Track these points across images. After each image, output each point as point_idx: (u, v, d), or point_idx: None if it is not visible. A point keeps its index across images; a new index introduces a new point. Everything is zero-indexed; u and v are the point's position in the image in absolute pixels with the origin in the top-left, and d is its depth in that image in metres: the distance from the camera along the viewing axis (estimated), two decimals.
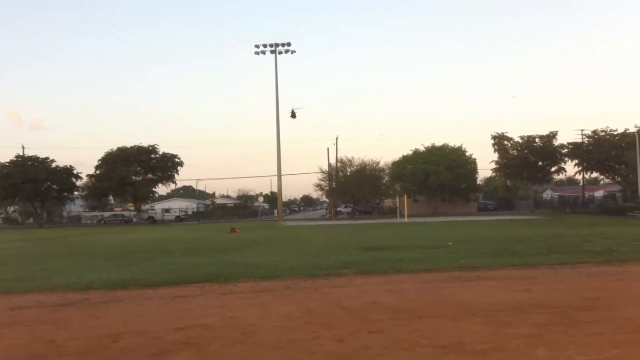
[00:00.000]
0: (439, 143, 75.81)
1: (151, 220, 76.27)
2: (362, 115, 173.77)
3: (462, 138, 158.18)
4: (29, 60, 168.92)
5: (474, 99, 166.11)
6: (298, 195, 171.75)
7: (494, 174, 79.41)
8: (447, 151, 73.76)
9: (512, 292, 10.39)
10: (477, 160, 76.34)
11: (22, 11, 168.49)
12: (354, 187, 68.64)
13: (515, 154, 71.32)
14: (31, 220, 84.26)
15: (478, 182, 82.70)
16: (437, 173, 69.16)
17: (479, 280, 12.03)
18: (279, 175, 70.88)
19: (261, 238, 30.47)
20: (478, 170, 78.01)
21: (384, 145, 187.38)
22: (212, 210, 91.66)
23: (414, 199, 75.39)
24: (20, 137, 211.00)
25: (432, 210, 72.49)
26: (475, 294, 10.27)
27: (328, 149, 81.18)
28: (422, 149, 75.41)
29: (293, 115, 70.00)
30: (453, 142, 76.47)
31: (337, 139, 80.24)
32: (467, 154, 75.14)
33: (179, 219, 76.55)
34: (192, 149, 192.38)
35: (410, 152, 76.06)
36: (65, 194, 79.04)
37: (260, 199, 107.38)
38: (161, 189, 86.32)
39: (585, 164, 70.12)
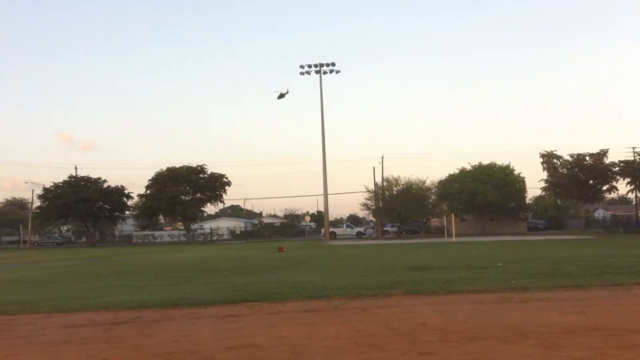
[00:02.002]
0: (486, 161, 75.09)
1: (359, 235, 75.75)
2: (408, 134, 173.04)
3: (510, 156, 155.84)
4: (80, 82, 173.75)
5: (522, 116, 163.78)
6: (344, 214, 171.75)
7: (543, 193, 78.01)
8: (495, 170, 72.89)
9: (565, 314, 10.20)
10: (525, 179, 75.31)
11: (74, 37, 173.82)
12: (400, 206, 68.27)
13: (565, 172, 69.98)
14: (84, 239, 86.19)
15: (527, 201, 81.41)
16: (484, 192, 68.32)
17: (531, 301, 11.82)
18: (325, 195, 71.03)
19: (308, 257, 30.53)
20: (527, 189, 76.92)
21: (430, 164, 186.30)
22: (259, 230, 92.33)
23: (462, 218, 74.53)
24: (73, 157, 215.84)
25: (480, 230, 71.56)
26: (527, 316, 10.10)
27: (374, 168, 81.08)
28: (469, 167, 74.72)
29: (281, 96, 69.43)
30: (500, 161, 75.64)
31: (382, 158, 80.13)
32: (515, 172, 74.18)
33: (360, 235, 76.52)
34: (240, 169, 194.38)
35: (457, 171, 75.43)
36: (117, 213, 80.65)
37: (307, 218, 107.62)
38: (210, 209, 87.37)
39: (637, 183, 68.37)
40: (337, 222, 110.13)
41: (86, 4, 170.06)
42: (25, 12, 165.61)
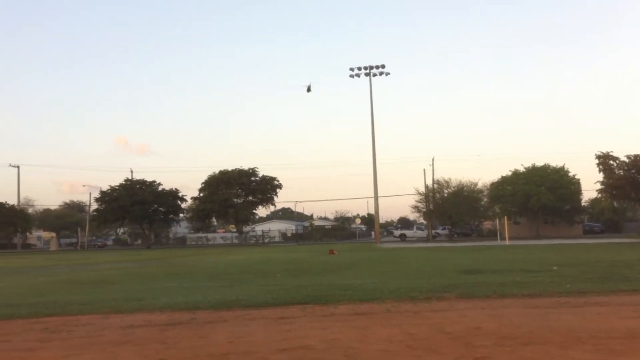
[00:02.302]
0: (539, 163, 73.72)
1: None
2: (459, 136, 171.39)
3: (565, 157, 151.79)
4: (135, 87, 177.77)
5: (577, 116, 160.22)
6: (395, 216, 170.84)
7: (599, 195, 76.05)
8: (549, 171, 71.54)
9: (624, 319, 9.95)
10: (581, 181, 73.70)
11: (129, 45, 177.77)
12: (451, 208, 67.64)
13: (622, 174, 67.99)
14: (139, 241, 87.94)
15: (582, 204, 79.62)
16: (538, 194, 67.11)
17: (587, 306, 11.56)
18: (376, 197, 70.89)
19: (359, 260, 30.50)
20: (582, 191, 75.26)
21: (481, 166, 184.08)
22: (310, 232, 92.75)
23: (515, 221, 73.37)
24: (129, 161, 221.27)
25: (534, 233, 70.34)
26: (584, 321, 9.90)
27: (424, 170, 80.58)
28: (522, 169, 73.51)
29: (309, 89, 69.07)
30: (554, 162, 74.18)
31: (433, 160, 79.56)
32: (570, 174, 72.64)
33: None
34: (291, 171, 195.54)
35: (510, 173, 74.28)
36: (171, 216, 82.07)
37: (358, 220, 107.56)
38: (261, 211, 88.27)
39: None
40: (388, 225, 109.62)
41: (142, 12, 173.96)
42: (82, 19, 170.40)
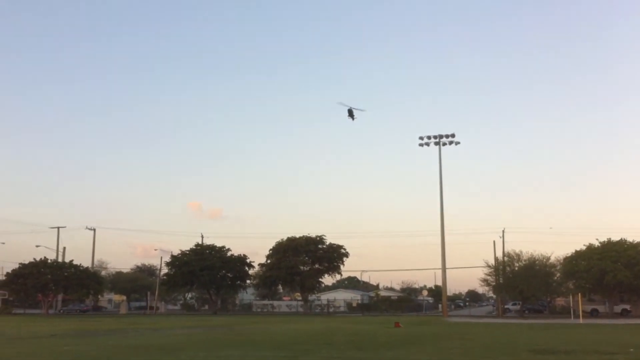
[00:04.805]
0: (615, 237, 71.04)
1: (624, 313, 68.54)
2: (530, 207, 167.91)
3: None
4: (209, 155, 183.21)
5: None
6: (463, 289, 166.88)
7: None
8: (625, 247, 68.74)
9: None
10: None
11: (207, 116, 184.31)
12: (522, 283, 65.69)
13: None
14: (206, 307, 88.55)
15: None
16: (614, 270, 64.44)
17: None
18: (444, 269, 69.73)
19: (426, 334, 29.97)
20: None
21: (554, 239, 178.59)
22: (376, 303, 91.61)
23: (589, 297, 70.56)
24: (201, 226, 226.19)
25: (610, 311, 67.41)
26: None
27: (494, 242, 78.87)
28: (596, 243, 70.97)
29: (350, 114, 61.66)
30: (632, 237, 71.34)
31: (503, 232, 77.95)
32: None
33: (626, 312, 68.85)
34: (358, 240, 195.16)
35: (584, 247, 71.80)
36: (239, 282, 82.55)
37: (425, 292, 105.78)
38: (327, 279, 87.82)
39: None
40: (455, 298, 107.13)
41: (217, 87, 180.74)
42: (157, 88, 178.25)
